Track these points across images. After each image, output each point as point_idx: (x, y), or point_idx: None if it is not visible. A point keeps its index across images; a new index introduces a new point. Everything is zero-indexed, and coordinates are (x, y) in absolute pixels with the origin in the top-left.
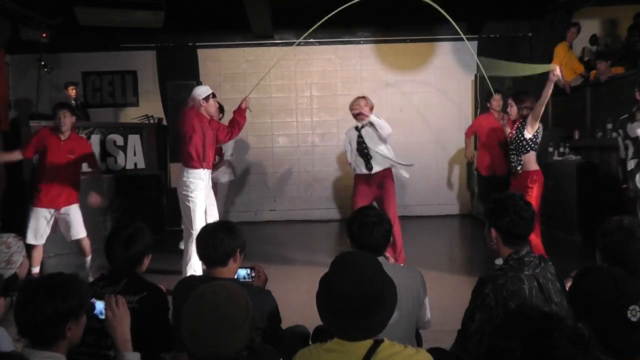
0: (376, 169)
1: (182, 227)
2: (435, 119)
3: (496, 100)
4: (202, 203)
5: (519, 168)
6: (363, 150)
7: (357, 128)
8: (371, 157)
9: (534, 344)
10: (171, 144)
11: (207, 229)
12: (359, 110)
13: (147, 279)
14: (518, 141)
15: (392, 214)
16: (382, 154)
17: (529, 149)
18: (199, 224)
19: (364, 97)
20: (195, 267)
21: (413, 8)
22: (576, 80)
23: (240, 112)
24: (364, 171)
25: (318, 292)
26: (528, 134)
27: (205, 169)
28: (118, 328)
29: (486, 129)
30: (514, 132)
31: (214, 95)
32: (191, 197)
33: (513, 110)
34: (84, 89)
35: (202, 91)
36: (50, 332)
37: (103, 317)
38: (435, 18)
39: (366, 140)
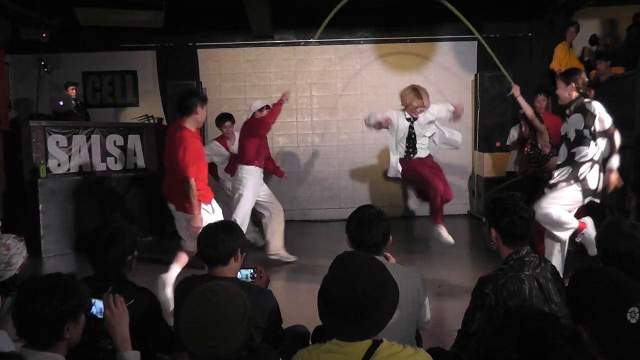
0: (419, 155)
1: None
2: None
3: (539, 102)
4: (250, 197)
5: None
6: (412, 143)
7: (409, 119)
8: (415, 149)
9: (530, 344)
10: None
11: (208, 228)
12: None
13: (136, 283)
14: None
15: (442, 177)
16: (424, 142)
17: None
18: (241, 214)
19: (418, 93)
20: None
21: (413, 8)
22: None
23: (277, 104)
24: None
25: (319, 292)
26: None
27: (257, 167)
28: (117, 327)
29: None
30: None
31: (267, 106)
32: (241, 190)
33: (526, 129)
34: (84, 89)
35: (257, 103)
36: (48, 333)
37: (102, 316)
38: (435, 18)
39: (416, 133)
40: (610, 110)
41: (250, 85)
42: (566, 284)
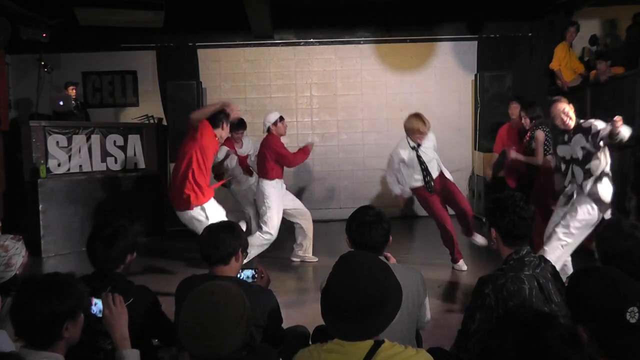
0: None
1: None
2: (435, 119)
3: (512, 109)
4: (276, 208)
5: None
6: (426, 170)
7: (413, 148)
8: (430, 172)
9: (528, 344)
10: (171, 144)
11: (210, 228)
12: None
13: (134, 282)
14: (530, 148)
15: (464, 202)
16: (434, 165)
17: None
18: (273, 225)
19: (422, 119)
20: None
21: (413, 8)
22: (576, 80)
23: (305, 151)
24: (421, 184)
25: (322, 290)
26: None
27: (278, 179)
28: (116, 326)
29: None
30: (527, 138)
31: (282, 118)
32: (267, 203)
33: (526, 121)
34: (84, 89)
35: (271, 117)
36: (47, 332)
37: (101, 315)
38: (435, 18)
39: (424, 158)
40: (610, 110)
41: (250, 85)
42: (566, 284)
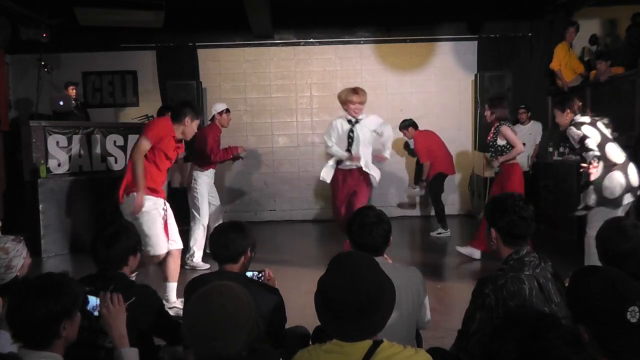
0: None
1: (191, 223)
2: (435, 119)
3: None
4: (205, 195)
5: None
6: (349, 147)
7: (350, 122)
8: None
9: (529, 344)
10: None
11: (220, 228)
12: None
13: (137, 281)
14: (495, 145)
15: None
16: (365, 157)
17: (503, 152)
18: (204, 214)
19: (360, 93)
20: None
21: (413, 8)
22: (576, 80)
23: (231, 151)
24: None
25: (316, 292)
26: (501, 142)
27: (212, 169)
28: (113, 325)
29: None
30: (492, 135)
31: (228, 110)
32: (197, 189)
33: (488, 115)
34: (84, 89)
35: (218, 106)
36: (44, 333)
37: (97, 314)
38: (435, 18)
39: (355, 139)
40: (610, 110)
41: (250, 85)
42: (566, 284)
